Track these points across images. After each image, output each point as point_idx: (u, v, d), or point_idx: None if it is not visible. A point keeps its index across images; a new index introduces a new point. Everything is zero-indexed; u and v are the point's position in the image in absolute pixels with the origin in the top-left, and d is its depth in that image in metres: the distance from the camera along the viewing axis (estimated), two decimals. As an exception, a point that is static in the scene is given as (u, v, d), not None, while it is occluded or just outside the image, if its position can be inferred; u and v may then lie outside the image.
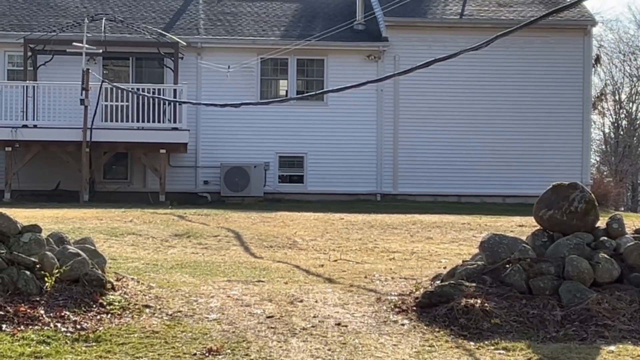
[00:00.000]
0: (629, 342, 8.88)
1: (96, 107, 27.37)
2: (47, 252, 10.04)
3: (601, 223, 10.99)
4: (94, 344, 8.49)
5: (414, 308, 9.97)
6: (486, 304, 9.51)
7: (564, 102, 30.77)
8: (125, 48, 29.96)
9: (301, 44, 29.32)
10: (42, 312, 9.08)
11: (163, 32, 29.75)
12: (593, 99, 40.06)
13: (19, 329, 8.68)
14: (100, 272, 10.26)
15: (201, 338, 8.78)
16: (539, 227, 11.02)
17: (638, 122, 59.30)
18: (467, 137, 30.34)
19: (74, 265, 9.92)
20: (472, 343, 8.86)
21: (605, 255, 10.24)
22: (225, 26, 31.18)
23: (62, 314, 9.11)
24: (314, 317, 9.72)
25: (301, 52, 29.81)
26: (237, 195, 28.66)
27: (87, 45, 27.75)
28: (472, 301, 9.55)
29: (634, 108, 59.95)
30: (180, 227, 17.95)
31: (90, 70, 27.47)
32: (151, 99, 27.22)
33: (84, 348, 8.36)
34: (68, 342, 8.48)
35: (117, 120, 28.07)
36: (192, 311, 9.82)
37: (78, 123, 27.03)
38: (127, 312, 9.59)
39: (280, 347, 8.60)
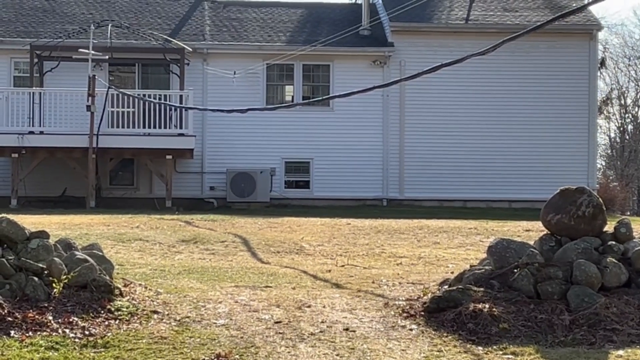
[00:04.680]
0: (638, 346, 8.86)
1: (102, 113, 27.41)
2: (55, 258, 10.05)
3: (608, 227, 10.97)
4: (102, 349, 8.49)
5: (422, 313, 9.96)
6: (494, 309, 9.49)
7: (569, 107, 30.75)
8: (131, 54, 30.00)
9: (307, 49, 29.34)
10: (50, 318, 9.08)
11: (169, 38, 29.80)
12: (599, 104, 39.99)
13: (27, 335, 8.68)
14: (108, 278, 10.26)
15: (209, 344, 8.78)
16: (546, 231, 11.01)
17: (644, 126, 59.24)
18: (472, 142, 30.33)
19: (81, 271, 9.93)
20: (480, 348, 8.85)
21: (613, 260, 10.22)
22: (231, 32, 31.22)
23: (70, 319, 9.11)
24: (322, 322, 9.72)
25: (307, 57, 29.83)
26: (244, 201, 28.67)
27: (93, 52, 27.81)
28: (480, 306, 9.54)
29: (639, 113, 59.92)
30: (187, 232, 17.96)
31: (96, 77, 27.51)
32: (157, 105, 27.24)
33: (92, 354, 8.36)
34: (76, 348, 8.48)
35: (123, 127, 28.06)
36: (200, 317, 9.82)
37: (84, 129, 27.06)
38: (135, 317, 9.59)
39: (289, 352, 8.59)
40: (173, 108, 27.73)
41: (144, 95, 27.70)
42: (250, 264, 14.43)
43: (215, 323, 9.57)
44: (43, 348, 8.37)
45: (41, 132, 27.79)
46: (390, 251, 16.20)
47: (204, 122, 29.74)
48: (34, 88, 28.30)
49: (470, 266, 11.31)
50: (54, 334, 8.77)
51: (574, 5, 31.42)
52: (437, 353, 8.68)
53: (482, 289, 10.02)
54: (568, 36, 30.83)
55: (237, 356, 8.39)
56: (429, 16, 31.21)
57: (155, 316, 9.74)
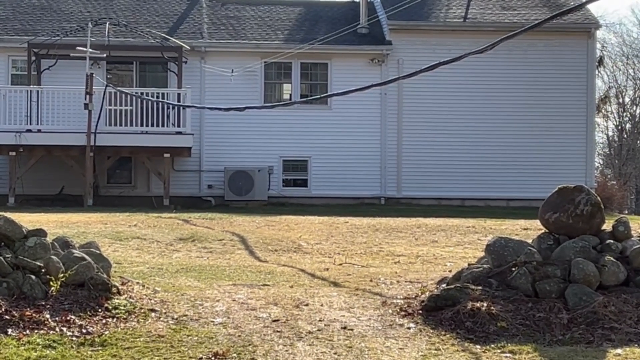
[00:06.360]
0: (636, 345, 8.85)
1: (100, 112, 27.40)
2: (53, 257, 10.04)
3: (606, 226, 10.98)
4: (99, 348, 8.48)
5: (420, 311, 9.95)
6: (492, 307, 9.49)
7: (567, 105, 30.74)
8: (129, 52, 29.96)
9: (305, 47, 29.32)
10: (48, 316, 9.07)
11: (167, 37, 29.77)
12: (597, 102, 40.00)
13: (24, 333, 8.67)
14: (105, 276, 10.25)
15: (207, 342, 8.77)
16: (544, 230, 11.01)
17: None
18: (470, 141, 30.32)
19: (79, 270, 9.92)
20: (478, 346, 8.85)
21: (612, 258, 10.22)
22: (229, 30, 31.19)
23: (68, 318, 9.10)
24: (320, 320, 9.71)
25: (305, 55, 29.81)
26: (241, 199, 28.64)
27: (90, 50, 27.80)
28: (478, 304, 9.53)
29: (638, 111, 59.97)
30: (185, 231, 17.95)
31: (94, 75, 27.48)
32: (155, 103, 27.21)
33: (89, 352, 8.35)
34: (74, 346, 8.47)
35: (121, 125, 28.06)
36: (197, 315, 9.81)
37: (82, 127, 27.03)
38: (133, 316, 9.58)
39: (287, 350, 8.58)
40: (171, 106, 27.70)
41: (142, 93, 27.65)
42: (248, 262, 14.43)
43: (212, 321, 9.56)
44: (40, 346, 8.36)
45: (39, 130, 27.74)
46: (388, 250, 16.20)
47: (202, 120, 29.72)
48: (31, 86, 28.25)
49: (468, 265, 11.30)
50: (51, 332, 8.75)
51: (572, 3, 31.39)
52: (435, 352, 8.67)
53: (480, 287, 10.01)
54: (566, 34, 30.82)
55: (234, 355, 8.38)
56: (427, 14, 31.20)
57: (153, 314, 9.73)
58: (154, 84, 29.80)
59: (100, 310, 9.51)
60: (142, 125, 27.89)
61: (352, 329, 9.38)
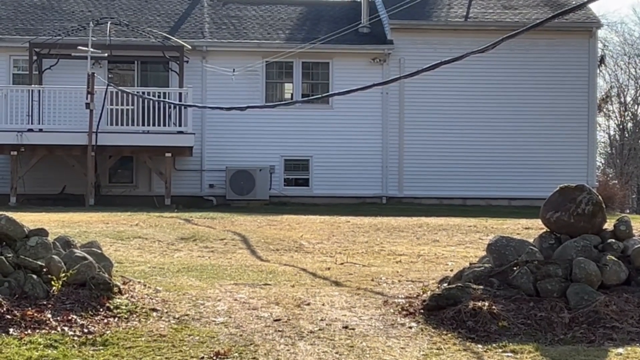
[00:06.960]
0: (637, 344, 8.85)
1: (101, 111, 27.40)
2: (54, 256, 10.03)
3: (608, 225, 10.97)
4: (101, 347, 8.48)
5: (422, 311, 9.95)
6: (494, 307, 9.49)
7: (569, 105, 30.73)
8: (131, 52, 29.96)
9: (306, 47, 29.32)
10: (49, 315, 9.07)
11: (168, 36, 29.77)
12: (598, 101, 39.98)
13: (26, 332, 8.67)
14: (107, 275, 10.25)
15: (208, 342, 8.76)
16: (545, 229, 11.00)
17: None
18: (472, 140, 30.31)
19: (80, 269, 9.91)
20: (479, 346, 8.84)
21: (613, 258, 10.22)
22: (230, 29, 31.19)
23: (69, 317, 9.09)
24: (321, 320, 9.70)
25: (306, 55, 29.80)
26: (243, 199, 28.64)
27: (92, 49, 27.81)
28: (479, 304, 9.53)
29: (639, 110, 59.92)
30: (186, 230, 17.94)
31: (95, 74, 27.48)
32: (156, 103, 27.21)
33: (91, 352, 8.35)
34: (75, 345, 8.47)
35: (122, 124, 28.07)
36: (199, 315, 9.81)
37: (83, 127, 27.03)
38: (134, 315, 9.58)
39: (288, 350, 8.58)
40: (172, 106, 27.70)
41: (143, 92, 27.65)
42: (249, 261, 14.42)
43: (214, 321, 9.56)
44: (42, 346, 8.35)
45: (40, 130, 27.75)
46: (389, 249, 16.19)
47: (203, 119, 29.72)
48: (33, 86, 28.26)
49: (470, 264, 11.30)
50: (52, 331, 8.75)
51: (574, 2, 31.35)
52: (437, 351, 8.67)
53: (481, 286, 10.01)
54: (568, 34, 30.81)
55: (236, 354, 8.38)
56: (429, 14, 31.19)
57: (154, 314, 9.73)
58: (156, 84, 29.81)
59: (101, 309, 9.51)
60: (143, 124, 27.89)
61: (353, 329, 9.38)
